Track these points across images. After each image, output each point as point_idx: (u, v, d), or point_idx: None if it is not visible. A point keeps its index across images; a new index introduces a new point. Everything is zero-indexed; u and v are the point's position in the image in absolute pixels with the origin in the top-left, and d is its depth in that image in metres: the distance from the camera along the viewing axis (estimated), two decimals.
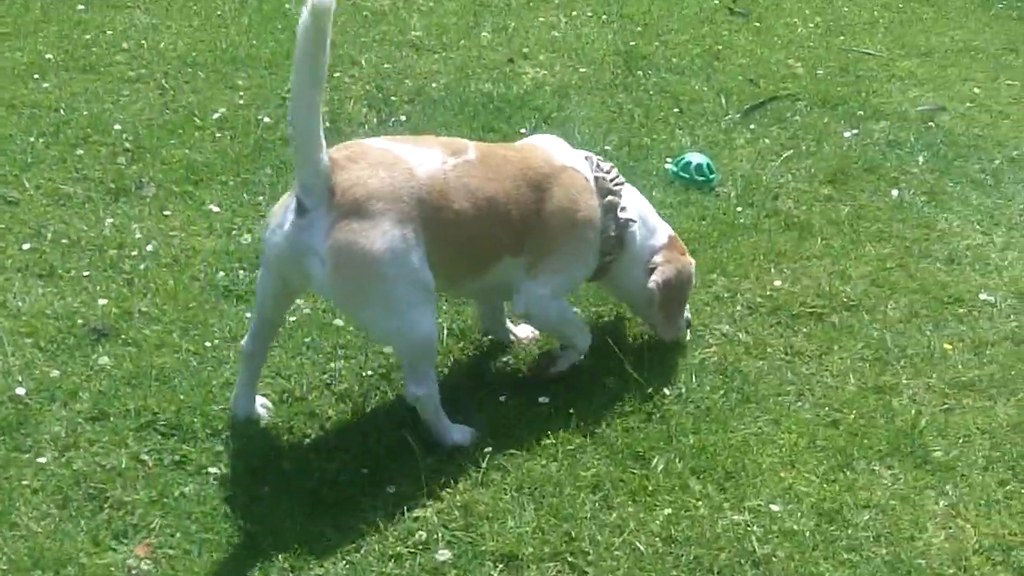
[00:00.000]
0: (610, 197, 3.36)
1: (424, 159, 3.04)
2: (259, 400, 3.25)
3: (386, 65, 5.53)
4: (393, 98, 5.20)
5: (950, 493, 3.18)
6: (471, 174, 3.10)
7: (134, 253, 3.96)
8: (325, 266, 2.86)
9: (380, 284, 2.90)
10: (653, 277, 3.49)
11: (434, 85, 5.38)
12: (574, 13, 6.38)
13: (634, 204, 3.48)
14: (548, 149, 3.37)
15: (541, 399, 3.41)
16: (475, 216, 3.08)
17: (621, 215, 3.38)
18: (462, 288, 3.35)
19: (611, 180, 3.38)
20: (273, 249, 2.97)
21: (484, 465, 3.11)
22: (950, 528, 3.07)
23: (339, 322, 3.66)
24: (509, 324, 3.70)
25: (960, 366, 3.70)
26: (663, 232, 3.57)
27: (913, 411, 3.48)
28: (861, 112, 5.42)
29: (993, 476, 3.26)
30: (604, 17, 6.35)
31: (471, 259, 3.18)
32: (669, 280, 3.50)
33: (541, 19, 6.23)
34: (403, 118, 5.00)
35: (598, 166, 3.39)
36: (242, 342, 3.24)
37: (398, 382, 3.40)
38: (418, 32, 5.96)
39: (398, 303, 2.94)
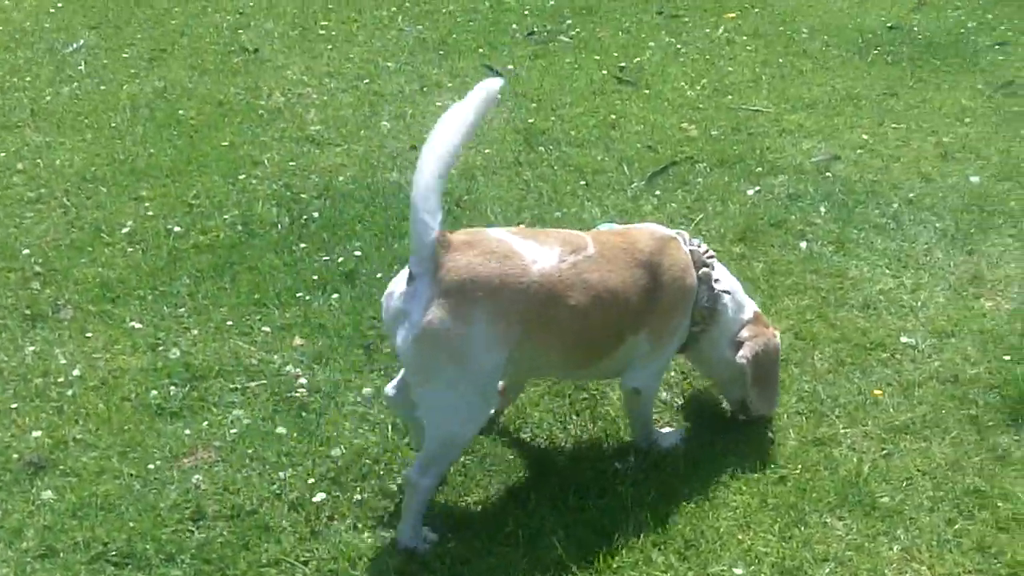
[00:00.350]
0: (704, 269, 3.46)
1: (541, 256, 3.11)
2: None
3: (290, 163, 5.53)
4: (302, 195, 5.19)
5: (902, 537, 3.27)
6: (591, 269, 3.19)
7: (60, 379, 3.87)
8: (410, 333, 2.95)
9: (449, 368, 2.99)
10: (742, 352, 3.56)
11: (341, 178, 5.39)
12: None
13: (726, 277, 3.58)
14: (650, 228, 3.50)
15: (494, 484, 3.42)
16: (595, 307, 3.17)
17: (716, 286, 3.48)
18: (587, 371, 3.42)
19: (703, 253, 3.50)
20: (387, 311, 3.09)
21: (448, 561, 3.09)
22: (906, 572, 3.15)
23: (282, 430, 3.61)
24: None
25: (892, 410, 3.81)
26: (750, 308, 3.65)
27: (855, 459, 3.57)
28: (759, 168, 5.57)
29: (940, 516, 3.35)
30: (499, 97, 6.44)
31: (592, 346, 3.27)
32: (758, 353, 3.56)
33: (437, 103, 6.29)
34: (315, 214, 4.99)
35: (689, 241, 3.51)
36: (386, 388, 3.37)
37: (348, 485, 3.38)
38: (317, 126, 5.98)
39: (457, 394, 3.03)
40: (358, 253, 4.66)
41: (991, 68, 7.12)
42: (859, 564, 3.15)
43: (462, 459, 3.52)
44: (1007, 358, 4.06)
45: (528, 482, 3.44)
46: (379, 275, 4.49)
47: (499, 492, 3.41)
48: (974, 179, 5.51)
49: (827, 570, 3.13)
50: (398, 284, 3.06)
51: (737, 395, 3.69)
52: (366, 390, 3.84)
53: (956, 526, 3.31)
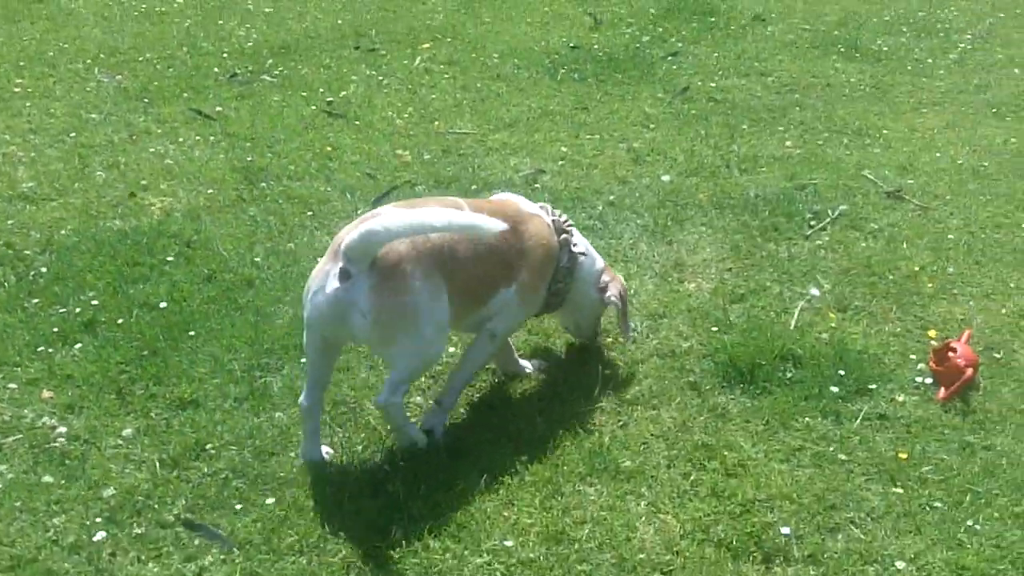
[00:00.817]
0: (564, 235, 4.10)
1: None
2: (323, 448, 3.78)
3: (8, 221, 5.38)
4: (26, 252, 5.08)
5: (647, 493, 3.64)
6: None
7: None
8: (367, 318, 3.45)
9: (412, 328, 3.53)
10: (609, 293, 4.25)
11: (63, 232, 5.30)
12: (180, 139, 6.47)
13: (580, 240, 4.22)
14: (517, 201, 4.13)
15: (268, 500, 3.54)
16: (477, 259, 3.75)
17: (573, 249, 4.12)
18: (467, 321, 3.91)
19: (563, 222, 4.14)
20: (315, 309, 3.54)
21: None
22: (655, 523, 3.51)
23: (48, 479, 3.60)
24: (521, 360, 4.31)
25: (622, 386, 4.20)
26: (600, 261, 4.31)
27: (596, 433, 3.92)
28: (474, 186, 5.91)
29: (677, 471, 3.75)
30: (211, 138, 6.50)
31: (476, 294, 3.81)
32: (621, 292, 4.29)
33: (151, 150, 6.28)
34: (43, 269, 4.91)
35: (551, 212, 4.14)
36: (300, 399, 3.72)
37: (125, 522, 3.42)
38: (28, 183, 5.83)
39: (418, 341, 3.56)
40: (95, 302, 4.63)
41: (667, 77, 7.80)
42: (613, 521, 3.49)
43: (234, 483, 3.62)
44: (714, 329, 4.56)
45: (305, 493, 3.58)
46: (119, 320, 4.50)
47: (277, 506, 3.53)
48: (665, 178, 6.07)
49: (586, 531, 3.45)
50: (319, 280, 3.53)
51: (591, 332, 4.42)
52: (126, 431, 3.87)
53: (691, 477, 3.71)
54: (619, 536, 3.45)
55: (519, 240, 3.92)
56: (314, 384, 3.72)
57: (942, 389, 4.14)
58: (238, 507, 3.54)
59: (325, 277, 3.52)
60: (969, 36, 8.80)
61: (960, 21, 9.23)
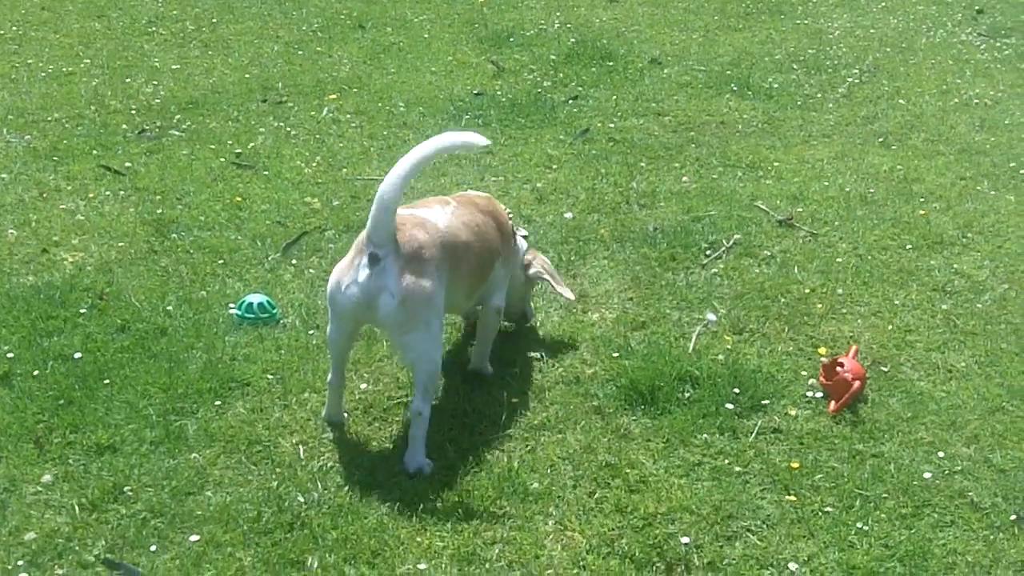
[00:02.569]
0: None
1: (438, 216, 4.19)
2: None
3: None
4: None
5: (554, 513, 3.79)
6: (463, 215, 4.31)
7: None
8: (395, 298, 3.88)
9: (427, 312, 3.95)
10: (533, 269, 4.84)
11: None
12: (91, 195, 6.53)
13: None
14: (480, 194, 4.73)
15: (192, 537, 3.63)
16: (475, 240, 4.29)
17: (518, 231, 4.80)
18: (471, 300, 4.47)
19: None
20: (349, 297, 3.96)
21: None
22: (563, 540, 3.67)
23: None
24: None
25: (529, 413, 4.37)
26: (523, 244, 4.88)
27: (504, 458, 4.08)
28: None
29: (582, 490, 3.92)
30: (121, 193, 6.56)
31: (479, 272, 4.34)
32: (544, 265, 4.88)
33: (62, 206, 6.33)
34: None
35: None
36: (328, 379, 4.23)
37: (46, 564, 3.48)
38: None
39: (432, 329, 3.99)
40: (10, 355, 4.68)
41: (568, 119, 8.04)
42: (522, 540, 3.65)
43: (153, 522, 3.70)
44: (616, 356, 4.75)
45: (222, 529, 3.68)
46: (35, 372, 4.55)
47: (195, 542, 3.61)
48: (568, 215, 6.28)
49: (496, 550, 3.60)
50: (351, 274, 3.95)
51: (519, 311, 4.95)
52: (45, 478, 3.93)
53: (596, 495, 3.88)
54: (528, 554, 3.60)
55: (497, 219, 4.51)
56: (338, 366, 4.20)
57: (832, 402, 4.37)
58: (156, 546, 3.62)
59: (355, 269, 3.95)
60: (856, 71, 9.20)
61: (848, 57, 9.64)
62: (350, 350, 4.33)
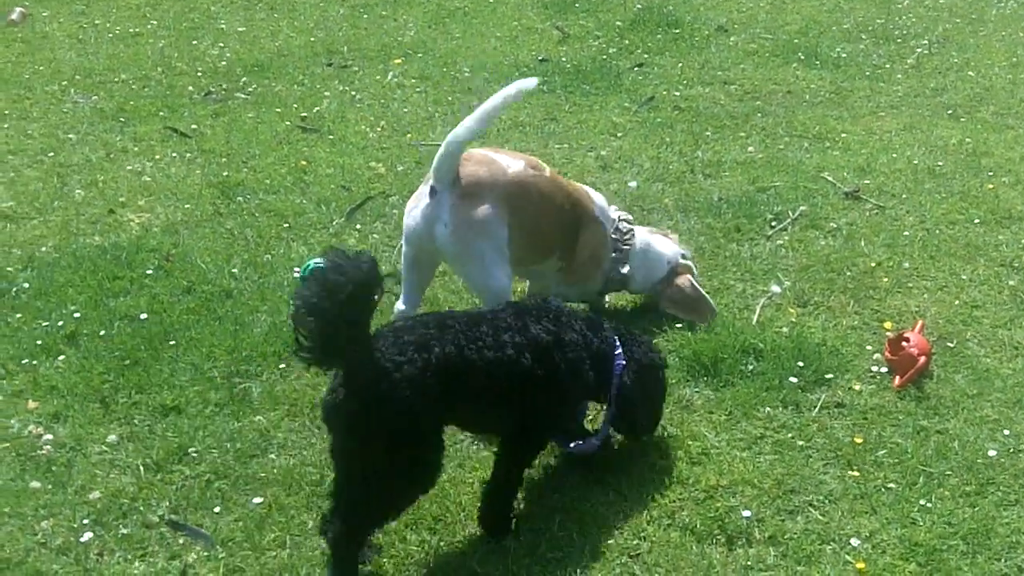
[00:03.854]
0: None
1: (512, 164, 4.28)
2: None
3: None
4: (8, 269, 5.20)
5: (615, 484, 3.78)
6: (545, 184, 4.35)
7: None
8: (447, 228, 4.07)
9: (481, 244, 4.10)
10: (664, 299, 4.85)
11: (44, 249, 5.43)
12: (157, 157, 6.60)
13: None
14: (588, 191, 4.72)
15: (256, 500, 3.67)
16: (543, 212, 4.32)
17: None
18: (523, 268, 4.53)
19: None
20: (411, 223, 4.20)
21: None
22: (619, 512, 3.65)
23: (36, 484, 3.71)
24: None
25: None
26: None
27: None
28: None
29: (645, 461, 3.90)
30: (188, 155, 6.63)
31: (534, 246, 4.38)
32: (678, 293, 4.86)
33: (128, 168, 6.41)
34: (25, 285, 5.03)
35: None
36: (396, 305, 4.39)
37: (111, 524, 3.54)
38: (8, 203, 5.96)
39: (486, 261, 4.13)
40: (76, 315, 4.76)
41: (633, 87, 7.98)
42: (583, 510, 3.65)
43: (216, 484, 3.76)
44: (680, 327, 4.71)
45: (285, 492, 3.73)
46: (101, 332, 4.63)
47: (258, 504, 3.67)
48: (632, 184, 6.24)
49: (558, 520, 3.61)
50: (417, 202, 4.19)
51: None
52: (111, 438, 4.00)
53: (658, 466, 3.87)
54: (589, 525, 3.60)
55: (575, 216, 4.54)
56: (409, 292, 4.39)
57: (897, 377, 4.32)
58: (220, 507, 3.68)
59: (419, 198, 4.20)
60: (926, 41, 9.02)
61: (917, 27, 9.45)
62: (422, 280, 4.46)
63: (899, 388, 4.28)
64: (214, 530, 3.58)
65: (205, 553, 3.49)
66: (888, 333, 4.61)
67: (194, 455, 3.93)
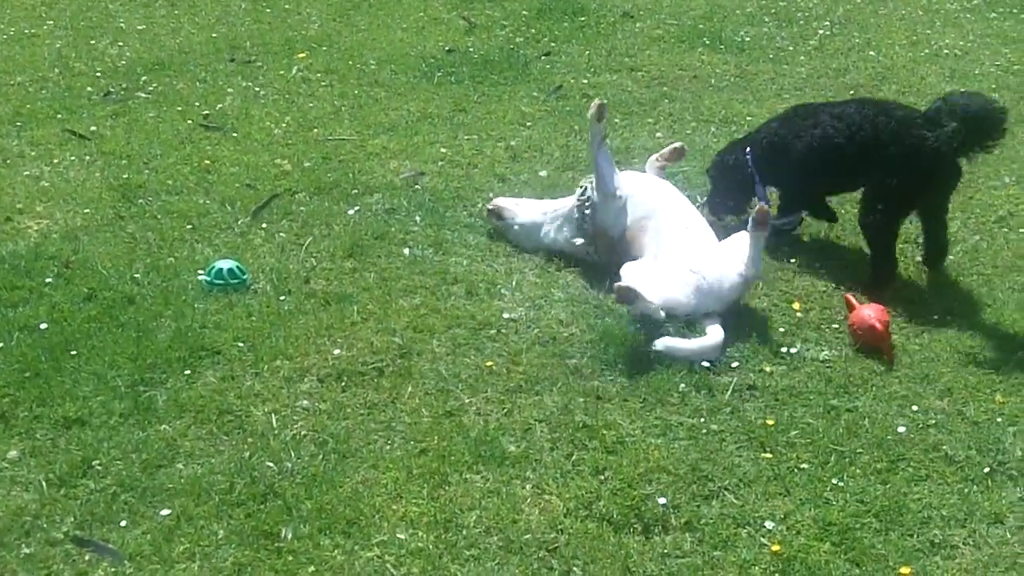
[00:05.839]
0: None
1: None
2: None
3: None
4: None
5: (531, 476, 3.77)
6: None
7: None
8: None
9: None
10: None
11: None
12: (55, 161, 6.41)
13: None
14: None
15: (164, 511, 3.58)
16: None
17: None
18: None
19: None
20: None
21: None
22: (540, 504, 3.64)
23: None
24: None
25: (506, 375, 4.33)
26: None
27: (481, 422, 4.05)
28: (355, 191, 5.98)
29: (560, 452, 3.89)
30: (87, 158, 6.45)
31: None
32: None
33: (25, 173, 6.22)
34: None
35: None
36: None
37: (12, 544, 3.43)
38: None
39: None
40: None
41: (541, 76, 7.95)
42: (500, 505, 3.62)
43: (123, 497, 3.65)
44: (593, 314, 4.70)
45: (194, 502, 3.64)
46: (0, 345, 4.48)
47: (166, 516, 3.58)
48: (542, 173, 6.21)
49: (473, 517, 3.57)
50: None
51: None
52: (11, 454, 3.87)
53: (574, 457, 3.86)
54: (505, 519, 3.58)
55: None
56: None
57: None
58: (127, 521, 3.58)
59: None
60: (827, 23, 9.13)
61: (819, 9, 9.56)
62: None
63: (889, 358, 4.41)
64: (121, 544, 3.49)
65: (113, 569, 3.40)
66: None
67: (99, 468, 3.82)
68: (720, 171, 5.57)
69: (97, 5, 9.90)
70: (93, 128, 6.96)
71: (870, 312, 4.46)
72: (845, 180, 5.19)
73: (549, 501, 3.65)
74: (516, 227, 5.40)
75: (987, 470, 3.77)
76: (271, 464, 3.81)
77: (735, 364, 4.36)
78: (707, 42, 8.63)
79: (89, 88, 7.74)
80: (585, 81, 7.81)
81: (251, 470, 3.79)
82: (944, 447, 3.89)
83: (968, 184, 5.92)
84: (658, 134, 6.80)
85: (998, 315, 4.71)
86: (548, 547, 3.46)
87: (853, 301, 4.60)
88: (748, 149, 5.42)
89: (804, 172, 5.15)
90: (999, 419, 4.03)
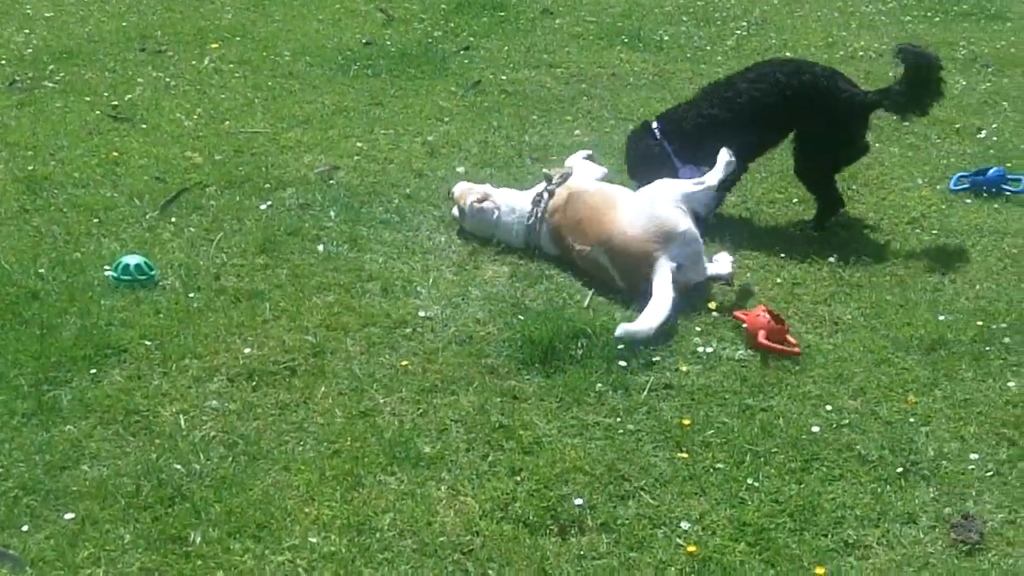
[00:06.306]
0: None
1: None
2: None
3: None
4: None
5: (447, 478, 3.72)
6: None
7: None
8: None
9: None
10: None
11: None
12: None
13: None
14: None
15: (68, 515, 3.47)
16: None
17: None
18: None
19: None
20: None
21: None
22: (456, 505, 3.60)
23: None
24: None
25: (421, 375, 4.27)
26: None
27: (396, 422, 3.99)
28: (268, 185, 5.87)
29: (476, 453, 3.85)
30: None
31: None
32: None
33: None
34: None
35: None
36: None
37: None
38: None
39: None
40: None
41: (460, 71, 7.90)
42: (414, 507, 3.57)
43: (25, 500, 3.53)
44: (511, 313, 4.67)
45: (99, 505, 3.52)
46: None
47: (70, 520, 3.46)
48: (460, 169, 6.15)
49: (387, 520, 3.51)
50: None
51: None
52: None
53: (490, 458, 3.82)
54: (420, 521, 3.52)
55: None
56: None
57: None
58: (29, 525, 3.46)
59: None
60: (744, 23, 9.21)
61: (736, 9, 9.64)
62: None
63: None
64: (23, 550, 3.37)
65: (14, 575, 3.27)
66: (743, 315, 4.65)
67: (0, 471, 3.68)
68: (636, 155, 5.73)
69: None
70: None
71: (756, 323, 4.47)
72: (776, 135, 5.65)
73: (464, 503, 3.61)
74: (496, 217, 5.31)
75: (900, 470, 3.81)
76: (179, 466, 3.71)
77: (654, 360, 4.35)
78: (626, 40, 8.65)
79: None
80: (504, 77, 7.78)
81: (158, 472, 3.68)
82: (858, 447, 3.93)
83: (881, 186, 6.04)
84: (576, 131, 6.79)
85: (910, 316, 4.76)
86: (463, 550, 3.42)
87: (740, 315, 4.61)
88: (656, 125, 5.69)
89: (740, 137, 5.35)
90: (912, 419, 4.08)
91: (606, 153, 6.39)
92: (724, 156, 5.04)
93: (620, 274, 4.82)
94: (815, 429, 4.00)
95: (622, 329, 4.42)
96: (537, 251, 5.20)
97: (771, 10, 9.66)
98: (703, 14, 9.45)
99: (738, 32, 8.97)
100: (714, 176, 5.04)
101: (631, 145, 5.78)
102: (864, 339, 4.60)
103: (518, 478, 3.72)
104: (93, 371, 4.21)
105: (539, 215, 5.18)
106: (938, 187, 6.08)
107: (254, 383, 4.21)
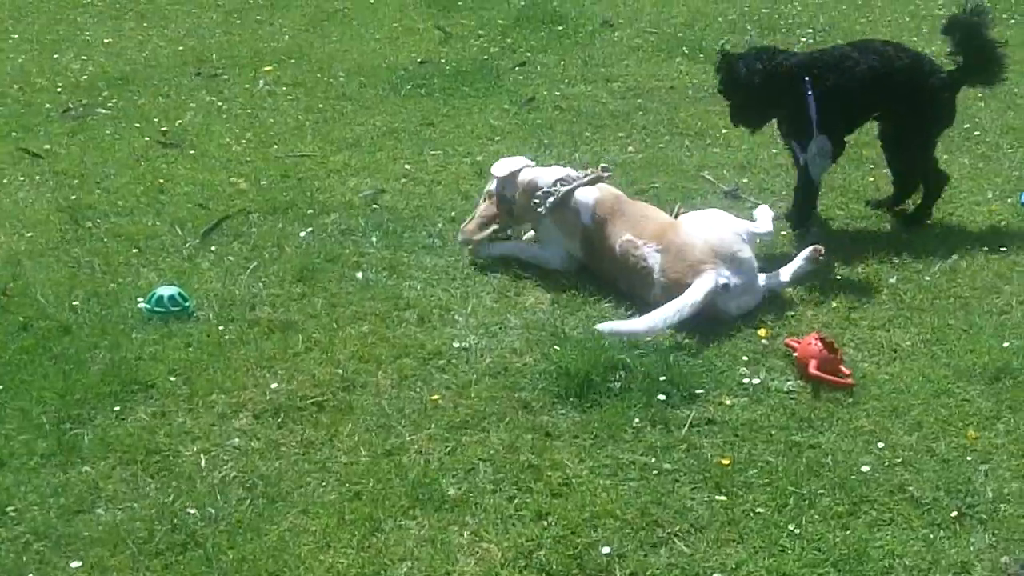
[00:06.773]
0: None
1: None
2: None
3: None
4: None
5: (470, 522, 3.54)
6: None
7: None
8: None
9: None
10: None
11: None
12: (5, 181, 6.21)
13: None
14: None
15: (74, 564, 3.36)
16: None
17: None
18: None
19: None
20: None
21: None
22: (477, 552, 3.42)
23: None
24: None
25: (451, 410, 4.10)
26: None
27: (422, 461, 3.82)
28: (311, 210, 5.77)
29: (502, 495, 3.67)
30: (37, 178, 6.25)
31: None
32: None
33: None
34: None
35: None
36: None
37: None
38: None
39: None
40: None
41: (514, 87, 7.74)
42: (433, 555, 3.39)
43: (35, 546, 3.44)
44: (550, 343, 4.48)
45: (110, 553, 3.42)
46: None
47: (76, 569, 3.36)
48: None
49: (404, 568, 3.34)
50: None
51: None
52: None
53: (516, 501, 3.63)
54: (438, 571, 3.35)
55: None
56: None
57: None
58: (35, 574, 3.36)
59: None
60: (811, 30, 8.91)
61: (803, 16, 9.34)
62: None
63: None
64: None
65: None
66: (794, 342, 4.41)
67: (13, 514, 3.60)
68: (759, 76, 5.22)
69: (66, 18, 9.72)
70: (47, 146, 6.77)
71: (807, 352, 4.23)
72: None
73: (487, 550, 3.42)
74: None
75: (955, 514, 3.52)
76: (194, 510, 3.58)
77: (697, 392, 4.13)
78: (686, 52, 8.41)
79: (48, 104, 7.55)
80: (558, 92, 7.61)
81: (173, 516, 3.56)
82: (911, 488, 3.65)
83: (948, 199, 5.73)
84: (630, 148, 6.59)
85: (974, 342, 4.46)
86: None
87: (792, 343, 4.37)
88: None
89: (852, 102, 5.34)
90: (970, 456, 3.79)
91: (659, 169, 6.19)
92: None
93: (661, 275, 4.68)
94: (865, 468, 3.73)
95: (607, 326, 4.48)
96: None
97: (839, 16, 9.34)
98: (768, 22, 9.17)
99: (804, 39, 8.66)
100: (787, 270, 4.94)
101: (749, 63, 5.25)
102: (923, 367, 4.32)
103: (544, 523, 3.52)
104: (117, 408, 4.12)
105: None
106: (1009, 200, 5.75)
107: (280, 419, 4.08)
